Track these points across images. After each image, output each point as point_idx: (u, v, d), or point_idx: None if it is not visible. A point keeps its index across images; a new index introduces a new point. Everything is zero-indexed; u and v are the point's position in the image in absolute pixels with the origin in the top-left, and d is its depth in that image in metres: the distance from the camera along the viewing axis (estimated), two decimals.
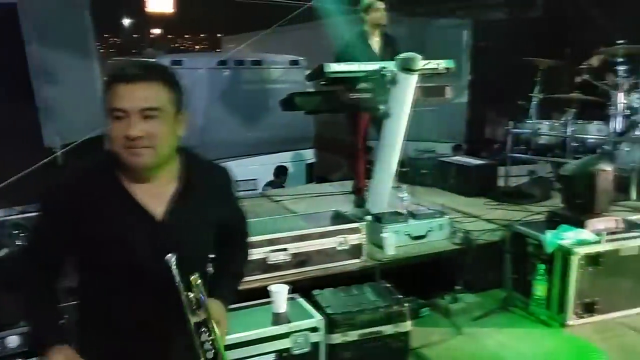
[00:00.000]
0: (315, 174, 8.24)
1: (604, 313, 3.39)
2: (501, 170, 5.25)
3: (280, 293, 2.88)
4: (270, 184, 7.50)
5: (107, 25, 27.14)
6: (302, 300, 3.02)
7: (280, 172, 7.78)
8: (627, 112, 4.70)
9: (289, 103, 4.16)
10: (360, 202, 4.60)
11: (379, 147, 4.19)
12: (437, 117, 8.32)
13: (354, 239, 3.52)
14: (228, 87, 8.24)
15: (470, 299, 3.70)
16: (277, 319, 2.81)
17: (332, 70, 3.92)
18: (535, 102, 5.44)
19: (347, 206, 4.53)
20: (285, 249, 3.37)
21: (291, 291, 2.98)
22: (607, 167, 3.49)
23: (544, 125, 5.20)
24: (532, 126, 5.26)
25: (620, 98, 4.67)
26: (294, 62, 8.36)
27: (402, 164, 5.66)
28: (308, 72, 5.21)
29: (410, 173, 5.52)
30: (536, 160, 5.27)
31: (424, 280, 3.71)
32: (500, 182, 5.14)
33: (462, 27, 9.38)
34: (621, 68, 4.68)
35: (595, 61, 5.23)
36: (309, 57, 8.30)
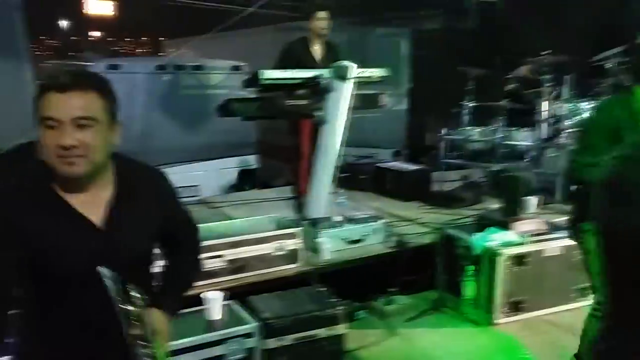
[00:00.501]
0: (258, 180, 8.21)
1: (529, 311, 3.56)
2: (436, 175, 5.42)
3: (214, 300, 2.88)
4: (234, 188, 7.37)
5: (44, 27, 26.16)
6: (237, 307, 3.02)
7: (246, 175, 7.70)
8: (552, 119, 4.96)
9: (225, 109, 4.15)
10: (300, 208, 4.63)
11: (316, 153, 4.24)
12: (379, 124, 8.46)
13: (290, 245, 3.55)
14: (168, 92, 8.09)
15: (405, 300, 3.80)
16: (211, 326, 2.81)
17: (266, 77, 3.95)
18: (467, 110, 5.64)
19: (287, 212, 4.56)
20: (221, 256, 3.37)
21: (227, 298, 2.99)
22: (530, 173, 3.67)
23: (476, 132, 5.41)
24: (464, 133, 5.46)
25: (546, 106, 4.92)
26: (236, 68, 8.30)
27: (341, 169, 5.78)
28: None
29: (350, 178, 5.61)
30: (469, 165, 5.47)
31: (360, 284, 3.78)
32: (435, 187, 5.30)
33: (401, 36, 9.59)
34: (546, 77, 4.93)
35: (523, 71, 5.49)
36: (252, 63, 8.27)
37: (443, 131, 5.46)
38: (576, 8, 8.26)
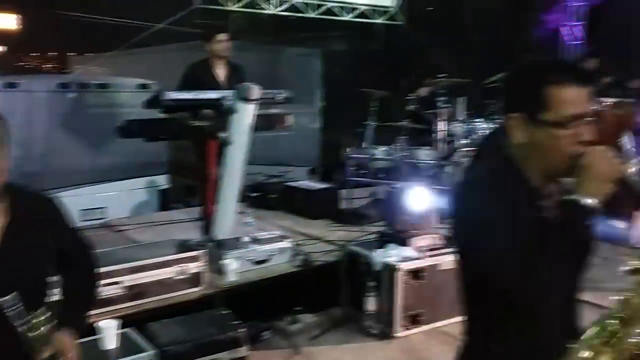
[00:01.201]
0: (168, 201, 8.04)
1: (427, 323, 3.71)
2: (344, 193, 5.55)
3: (108, 329, 2.79)
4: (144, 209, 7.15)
5: None
6: (134, 334, 2.95)
7: (156, 196, 7.48)
8: (449, 138, 5.24)
9: (126, 130, 4.07)
10: (207, 229, 4.59)
11: (221, 174, 4.23)
12: (293, 142, 8.57)
13: (193, 268, 3.52)
14: (72, 112, 7.79)
15: (310, 319, 3.85)
16: (105, 356, 2.72)
17: (168, 98, 3.91)
18: (371, 130, 5.84)
19: (195, 233, 4.51)
20: (118, 282, 3.27)
21: (124, 325, 2.91)
22: (425, 189, 3.85)
23: (380, 151, 5.60)
24: (369, 151, 5.64)
25: (442, 126, 5.20)
26: (144, 86, 8.13)
27: (251, 189, 5.79)
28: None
29: (260, 198, 5.64)
30: (374, 183, 5.64)
31: (265, 304, 3.80)
32: (343, 205, 5.43)
33: (313, 56, 9.79)
34: (441, 99, 5.22)
35: (422, 92, 5.76)
36: (161, 81, 8.14)
37: (349, 150, 5.61)
38: (476, 32, 8.83)
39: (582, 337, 1.33)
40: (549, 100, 1.33)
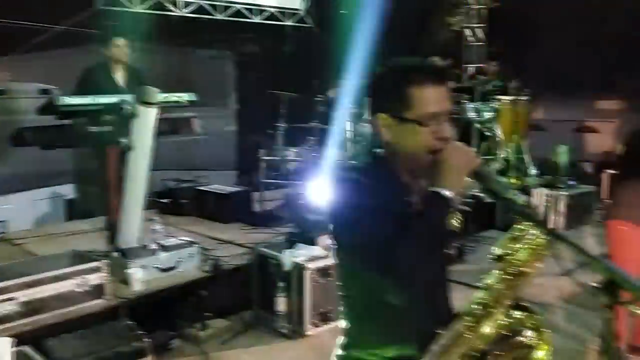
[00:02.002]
0: (74, 211, 7.69)
1: (337, 320, 3.76)
2: (256, 195, 5.54)
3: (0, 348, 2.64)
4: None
5: None
6: (31, 352, 2.80)
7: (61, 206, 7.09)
8: (357, 139, 5.36)
9: (19, 139, 3.86)
10: (112, 238, 4.44)
11: (124, 181, 4.11)
12: (211, 146, 8.45)
13: (94, 279, 3.39)
14: None
15: (221, 323, 3.81)
16: None
17: (64, 103, 3.75)
18: (281, 131, 5.87)
19: (101, 244, 4.35)
20: (12, 298, 3.10)
21: (20, 343, 2.76)
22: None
23: (291, 152, 5.64)
24: (281, 153, 5.67)
25: (349, 127, 5.31)
26: (45, 91, 7.75)
27: (161, 195, 5.66)
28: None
29: (171, 204, 5.52)
30: (286, 184, 5.68)
31: (175, 312, 3.73)
32: (255, 207, 5.42)
33: (225, 59, 9.70)
34: (350, 99, 5.34)
35: (332, 93, 5.86)
36: (64, 86, 7.78)
37: (261, 152, 5.61)
38: (384, 34, 9.08)
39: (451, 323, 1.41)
40: (411, 99, 1.40)
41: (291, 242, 3.89)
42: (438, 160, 1.38)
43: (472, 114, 6.54)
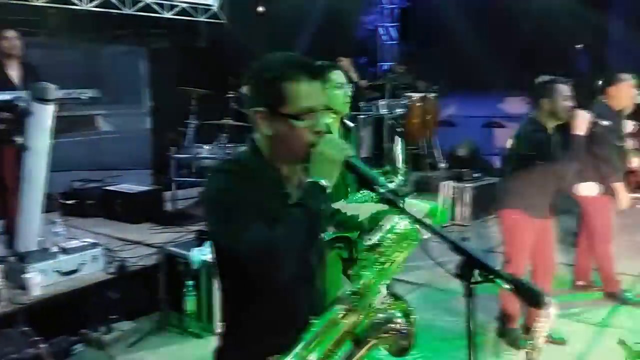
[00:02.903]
0: None
1: None
2: (168, 194, 5.43)
3: None
4: None
5: None
6: None
7: None
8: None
9: None
10: (11, 242, 4.21)
11: (21, 182, 3.90)
12: (125, 145, 8.16)
13: None
14: None
15: (127, 326, 3.72)
16: None
17: None
18: (193, 128, 5.78)
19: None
20: None
21: None
22: None
23: (204, 149, 5.56)
24: (193, 151, 5.58)
25: None
26: None
27: (65, 196, 5.42)
28: None
29: (76, 205, 5.31)
30: (199, 182, 5.60)
31: (78, 316, 3.59)
32: (167, 206, 5.31)
33: (138, 54, 9.39)
34: None
35: (244, 89, 5.82)
36: None
37: (173, 150, 5.49)
38: (300, 32, 9.14)
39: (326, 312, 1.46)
40: (286, 94, 1.43)
41: (201, 240, 3.85)
42: (313, 153, 1.42)
43: (383, 111, 6.72)
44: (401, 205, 1.38)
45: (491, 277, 1.28)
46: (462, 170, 6.59)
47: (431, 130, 7.58)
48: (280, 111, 1.43)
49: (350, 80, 2.74)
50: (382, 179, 1.40)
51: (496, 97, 10.63)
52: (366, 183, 1.43)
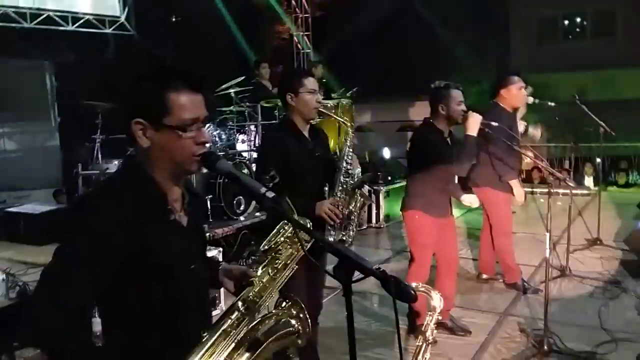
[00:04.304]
0: None
1: None
2: None
3: None
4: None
5: None
6: None
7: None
8: None
9: None
10: None
11: None
12: (30, 163, 7.76)
13: None
14: None
15: (32, 352, 3.54)
16: None
17: None
18: (99, 144, 5.59)
19: None
20: None
21: None
22: None
23: (113, 164, 5.40)
24: (101, 167, 5.40)
25: None
26: None
27: None
28: None
29: None
30: None
31: None
32: None
33: (42, 69, 8.98)
34: None
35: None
36: None
37: (79, 166, 5.30)
38: (215, 41, 9.09)
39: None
40: (168, 105, 1.43)
41: None
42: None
43: None
44: (282, 213, 1.42)
45: (366, 275, 1.35)
46: (377, 173, 6.78)
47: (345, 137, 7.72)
48: (162, 122, 1.42)
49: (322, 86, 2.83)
50: (264, 188, 1.42)
51: (409, 101, 11.04)
52: (250, 193, 1.45)
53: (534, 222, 6.35)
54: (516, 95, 4.20)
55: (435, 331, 2.04)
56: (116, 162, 5.41)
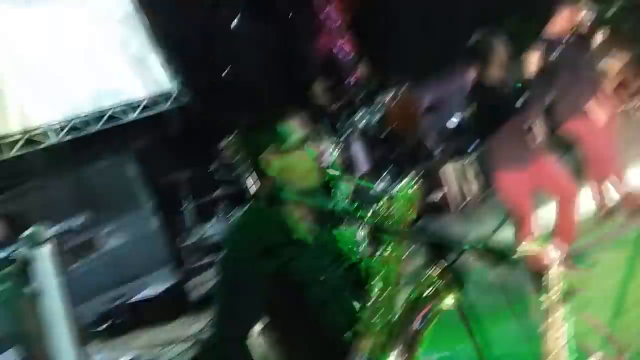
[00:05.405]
0: None
1: None
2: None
3: None
4: None
5: None
6: None
7: None
8: None
9: None
10: None
11: (44, 330, 3.92)
12: (137, 252, 8.17)
13: None
14: None
15: None
16: None
17: None
18: (190, 211, 5.82)
19: None
20: None
21: None
22: None
23: (210, 227, 5.59)
24: (199, 232, 5.61)
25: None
26: None
27: (98, 322, 5.44)
28: None
29: (110, 327, 5.33)
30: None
31: None
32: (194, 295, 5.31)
33: (122, 162, 9.49)
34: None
35: (224, 159, 5.89)
36: None
37: (179, 239, 5.50)
38: (260, 84, 9.21)
39: None
40: None
41: None
42: None
43: (362, 123, 6.74)
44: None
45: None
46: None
47: (416, 122, 7.55)
48: None
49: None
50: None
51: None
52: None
53: None
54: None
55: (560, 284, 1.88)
56: (210, 224, 5.61)
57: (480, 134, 3.38)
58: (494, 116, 3.18)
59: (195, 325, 4.72)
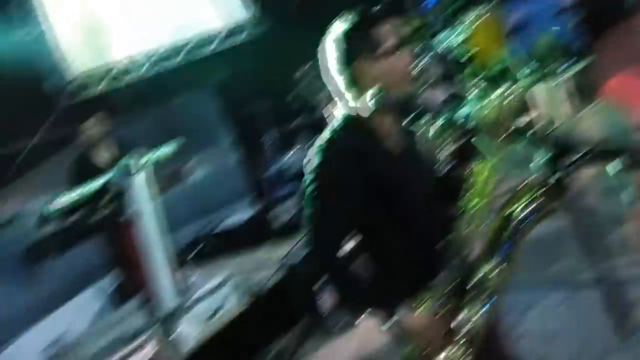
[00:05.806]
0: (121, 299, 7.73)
1: None
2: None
3: None
4: None
5: None
6: None
7: None
8: None
9: (34, 254, 3.98)
10: (152, 311, 4.46)
11: (144, 250, 4.15)
12: (220, 183, 8.41)
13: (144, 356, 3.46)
14: None
15: (287, 340, 3.84)
16: None
17: (55, 209, 3.85)
18: (270, 142, 5.86)
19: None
20: None
21: None
22: None
23: (291, 156, 5.62)
24: (280, 162, 5.66)
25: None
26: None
27: (187, 248, 5.69)
28: None
29: (198, 253, 5.58)
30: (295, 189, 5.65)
31: (236, 353, 3.76)
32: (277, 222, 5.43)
33: (202, 96, 9.63)
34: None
35: (303, 87, 5.82)
36: None
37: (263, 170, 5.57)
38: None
39: None
40: None
41: None
42: None
43: (442, 47, 6.39)
44: None
45: None
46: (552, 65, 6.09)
47: (503, 41, 7.06)
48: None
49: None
50: None
51: None
52: None
53: None
54: None
55: None
56: (290, 154, 5.64)
57: (587, 41, 3.10)
58: (603, 20, 2.92)
59: (279, 251, 4.84)
